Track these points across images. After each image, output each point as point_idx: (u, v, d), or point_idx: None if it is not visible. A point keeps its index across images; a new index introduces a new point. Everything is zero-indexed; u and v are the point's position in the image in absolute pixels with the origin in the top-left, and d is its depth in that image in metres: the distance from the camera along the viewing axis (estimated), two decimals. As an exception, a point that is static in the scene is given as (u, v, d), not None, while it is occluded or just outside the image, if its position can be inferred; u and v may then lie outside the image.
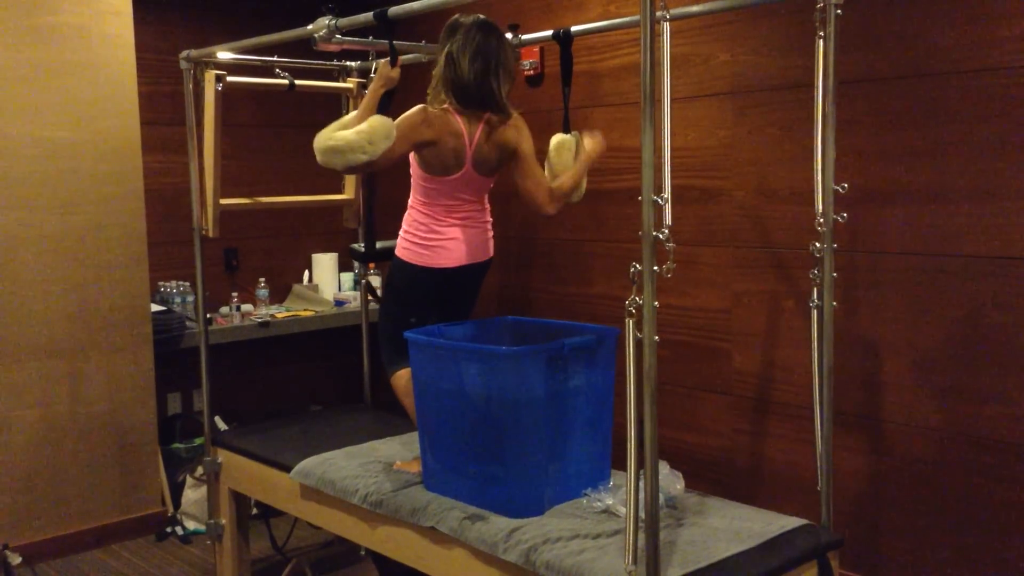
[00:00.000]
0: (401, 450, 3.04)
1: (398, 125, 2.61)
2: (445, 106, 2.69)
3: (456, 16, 2.75)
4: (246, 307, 4.50)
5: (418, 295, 2.85)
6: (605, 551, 2.19)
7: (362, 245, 3.37)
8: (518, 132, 2.78)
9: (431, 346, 2.62)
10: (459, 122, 2.69)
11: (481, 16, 2.74)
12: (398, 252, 2.84)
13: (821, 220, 2.41)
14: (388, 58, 2.74)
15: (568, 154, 2.95)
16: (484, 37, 2.68)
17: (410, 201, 2.83)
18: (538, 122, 3.20)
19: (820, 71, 2.39)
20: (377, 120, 2.58)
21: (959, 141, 2.85)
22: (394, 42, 2.75)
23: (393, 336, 2.82)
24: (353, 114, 2.73)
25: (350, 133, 2.56)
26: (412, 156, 2.73)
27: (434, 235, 2.77)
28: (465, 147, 2.70)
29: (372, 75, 3.45)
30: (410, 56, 3.46)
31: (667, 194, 2.01)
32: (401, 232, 2.85)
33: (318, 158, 2.60)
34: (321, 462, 2.94)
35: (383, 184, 3.43)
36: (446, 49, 2.69)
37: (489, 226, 2.88)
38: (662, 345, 2.97)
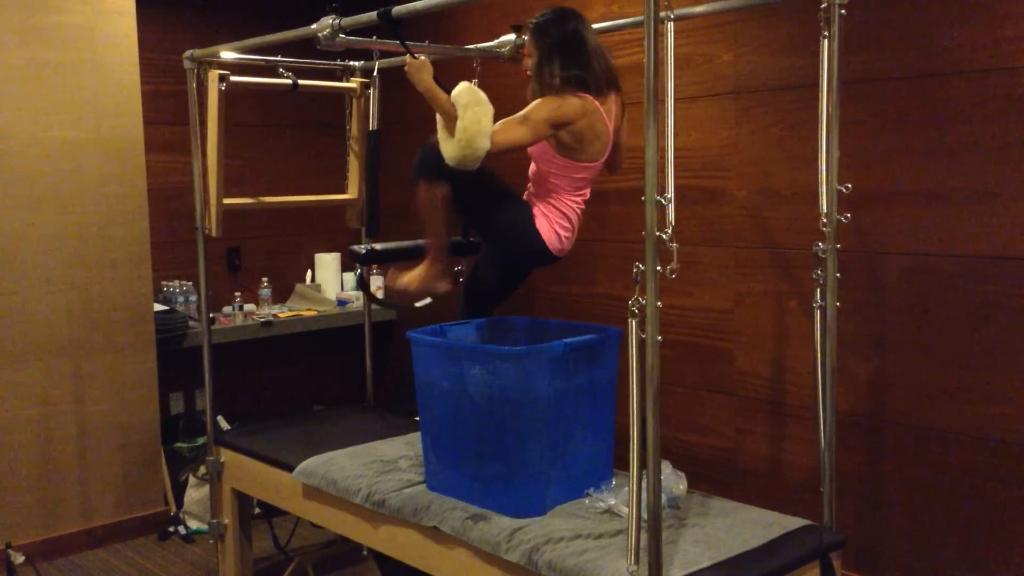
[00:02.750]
0: (404, 449, 3.04)
1: (538, 109, 2.62)
2: (579, 93, 2.68)
3: (557, 9, 2.74)
4: (249, 307, 4.51)
5: (522, 269, 3.02)
6: (607, 551, 2.19)
7: (363, 247, 3.28)
8: (623, 109, 2.86)
9: (434, 346, 2.62)
10: (599, 108, 2.71)
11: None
12: (538, 224, 2.78)
13: (824, 220, 2.40)
14: (407, 56, 2.72)
15: None
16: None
17: (548, 186, 2.79)
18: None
19: (824, 71, 2.38)
20: (457, 92, 2.60)
21: (963, 141, 2.84)
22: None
23: (483, 290, 3.02)
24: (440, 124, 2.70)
25: (458, 125, 2.55)
26: (545, 146, 2.71)
27: (566, 222, 2.80)
28: (608, 131, 2.74)
29: (375, 74, 3.45)
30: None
31: (670, 194, 2.01)
32: (542, 207, 2.78)
33: (464, 165, 2.59)
34: (323, 462, 2.94)
35: (386, 184, 3.42)
36: (590, 41, 2.70)
37: None
38: (665, 345, 2.97)
